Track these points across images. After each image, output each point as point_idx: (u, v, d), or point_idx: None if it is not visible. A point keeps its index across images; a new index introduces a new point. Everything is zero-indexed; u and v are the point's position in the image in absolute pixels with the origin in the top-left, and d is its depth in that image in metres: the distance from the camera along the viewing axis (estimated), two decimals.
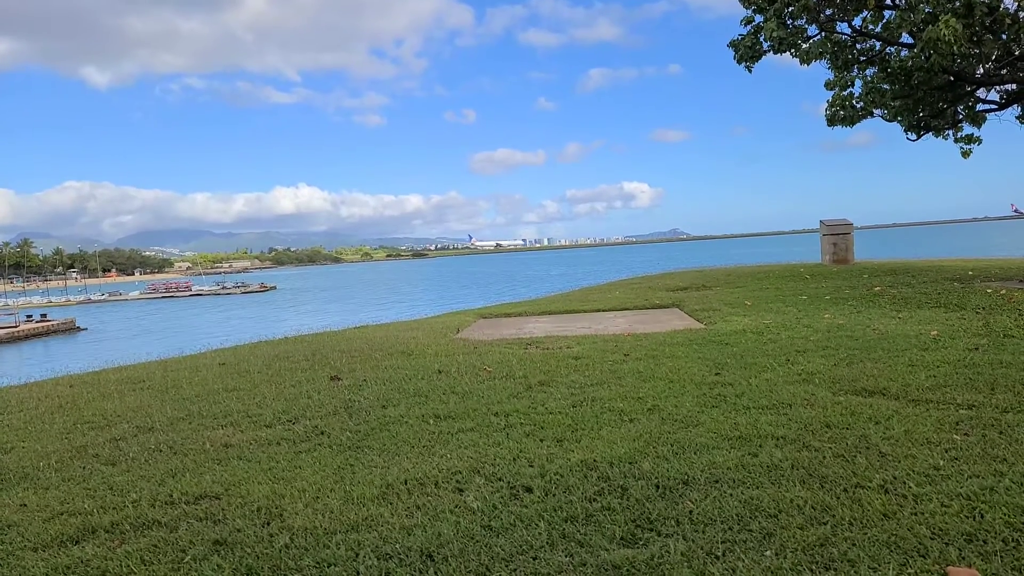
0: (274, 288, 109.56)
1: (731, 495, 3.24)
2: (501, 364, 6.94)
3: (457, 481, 3.70)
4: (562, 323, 10.99)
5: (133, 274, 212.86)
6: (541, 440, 4.30)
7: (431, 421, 4.91)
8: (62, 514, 3.62)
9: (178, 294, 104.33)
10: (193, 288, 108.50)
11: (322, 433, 4.81)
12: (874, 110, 14.74)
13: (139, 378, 7.73)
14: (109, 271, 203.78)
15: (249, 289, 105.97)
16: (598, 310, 12.61)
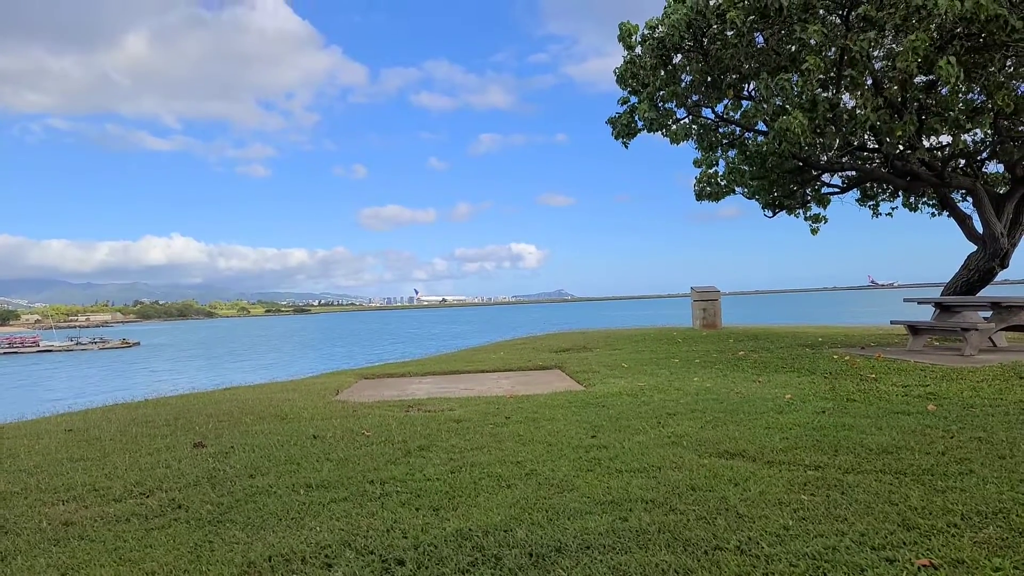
0: (137, 344, 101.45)
1: (601, 561, 3.31)
2: (380, 428, 6.80)
3: (326, 556, 3.54)
4: (446, 384, 10.97)
5: None
6: (417, 509, 4.22)
7: (302, 491, 4.70)
8: None
9: (23, 350, 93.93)
10: (41, 343, 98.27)
11: (180, 507, 4.47)
12: (736, 188, 16.13)
13: None
14: None
15: (108, 345, 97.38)
16: (482, 371, 12.71)
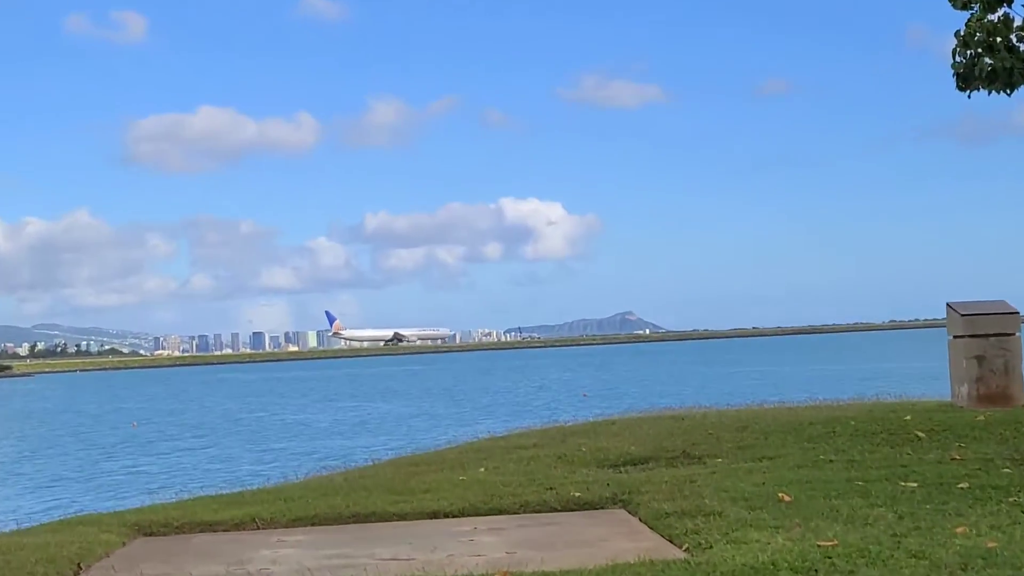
0: None
1: None
2: None
3: None
4: (347, 547, 11.08)
5: None
6: None
7: None
8: None
9: None
10: None
11: None
12: None
13: None
14: None
15: None
16: (434, 514, 12.79)
